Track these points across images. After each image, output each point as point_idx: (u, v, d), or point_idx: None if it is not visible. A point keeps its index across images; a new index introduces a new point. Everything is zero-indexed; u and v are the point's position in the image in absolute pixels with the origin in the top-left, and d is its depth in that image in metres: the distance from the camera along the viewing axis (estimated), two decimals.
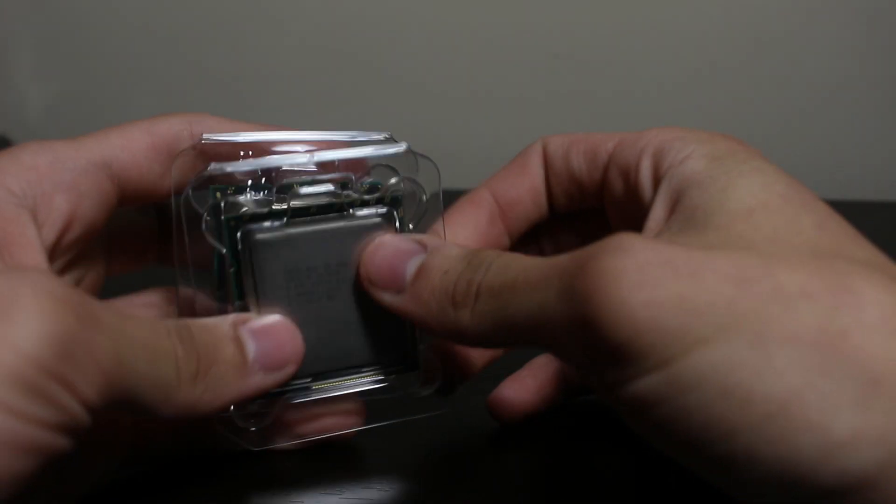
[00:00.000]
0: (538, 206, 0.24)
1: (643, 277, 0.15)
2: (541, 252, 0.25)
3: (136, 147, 0.21)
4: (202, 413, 0.18)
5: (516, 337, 0.18)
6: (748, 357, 0.14)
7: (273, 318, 0.20)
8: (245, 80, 0.57)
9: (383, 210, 0.21)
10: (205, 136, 0.21)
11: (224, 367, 0.18)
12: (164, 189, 0.21)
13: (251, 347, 0.19)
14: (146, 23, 0.56)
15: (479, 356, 0.23)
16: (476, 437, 0.25)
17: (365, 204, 0.21)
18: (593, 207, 0.23)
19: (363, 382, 0.22)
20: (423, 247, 0.20)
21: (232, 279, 0.20)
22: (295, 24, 0.56)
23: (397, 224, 0.21)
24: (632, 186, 0.21)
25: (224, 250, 0.20)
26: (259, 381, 0.19)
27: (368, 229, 0.21)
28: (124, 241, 0.23)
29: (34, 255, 0.18)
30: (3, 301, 0.14)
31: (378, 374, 0.22)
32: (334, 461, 0.23)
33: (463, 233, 0.23)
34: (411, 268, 0.20)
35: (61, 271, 0.20)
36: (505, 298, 0.17)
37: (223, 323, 0.19)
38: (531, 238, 0.25)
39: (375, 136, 0.22)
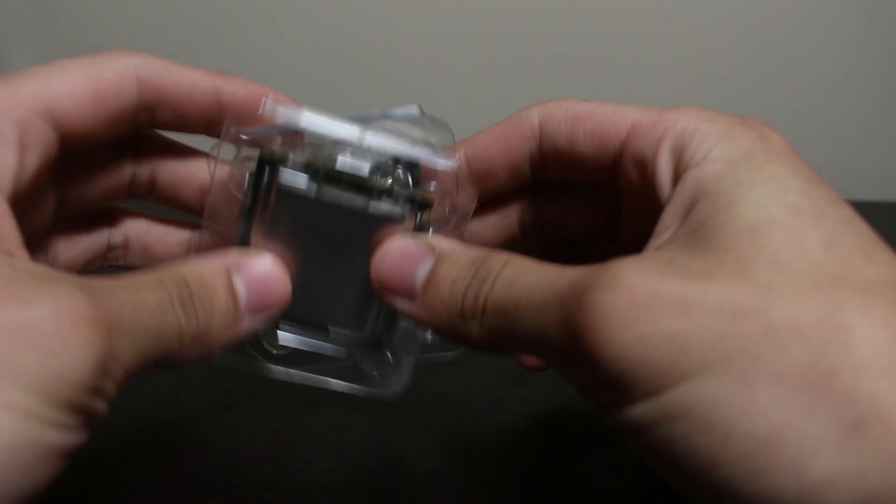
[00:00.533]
0: (516, 181, 0.23)
1: (635, 313, 0.15)
2: (520, 217, 0.24)
3: (80, 94, 0.20)
4: (201, 357, 0.19)
5: (522, 350, 0.19)
6: (733, 394, 0.15)
7: (265, 264, 0.20)
8: None
9: (407, 207, 0.21)
10: (239, 132, 0.22)
11: (218, 322, 0.19)
12: (107, 136, 0.21)
13: (243, 295, 0.19)
14: (146, 23, 0.56)
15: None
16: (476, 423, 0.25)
17: (394, 196, 0.21)
18: (598, 182, 0.22)
19: (327, 348, 0.23)
20: (432, 250, 0.20)
21: (245, 213, 0.21)
22: (295, 24, 0.56)
23: (416, 225, 0.21)
24: (649, 179, 0.20)
25: (248, 185, 0.21)
26: (247, 324, 0.20)
27: (384, 221, 0.21)
28: (82, 183, 0.23)
29: (9, 228, 0.18)
30: (43, 333, 0.15)
31: (342, 345, 0.23)
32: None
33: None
34: (421, 274, 0.20)
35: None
36: (509, 316, 0.18)
37: (219, 271, 0.19)
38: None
39: (407, 110, 0.22)
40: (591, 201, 0.23)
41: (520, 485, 0.23)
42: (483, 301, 0.18)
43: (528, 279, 0.18)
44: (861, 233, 0.17)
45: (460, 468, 0.23)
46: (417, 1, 0.55)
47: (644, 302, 0.15)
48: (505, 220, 0.24)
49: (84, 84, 0.20)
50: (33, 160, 0.19)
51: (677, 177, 0.19)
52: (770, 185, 0.17)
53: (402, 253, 0.20)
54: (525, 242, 0.25)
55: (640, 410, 0.15)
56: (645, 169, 0.20)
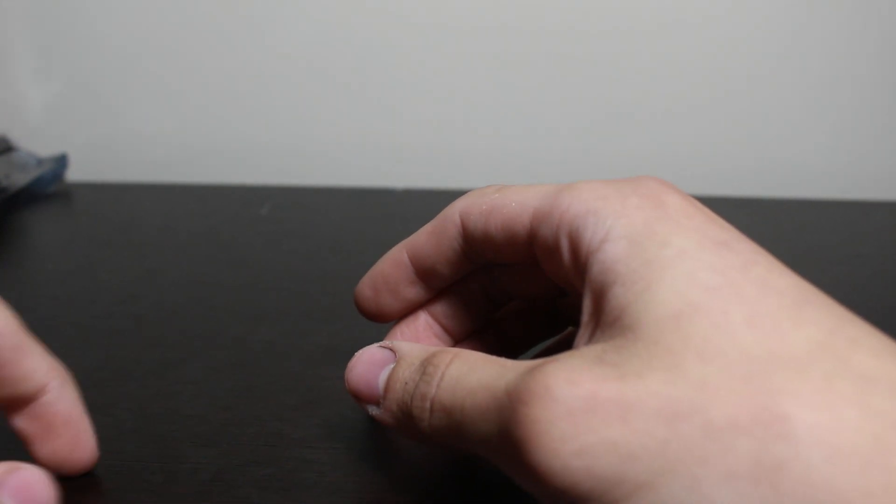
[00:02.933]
0: (457, 271, 0.23)
1: (573, 426, 0.15)
2: (483, 293, 0.25)
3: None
4: None
5: (476, 453, 0.19)
6: (687, 501, 0.14)
7: (26, 474, 0.19)
8: (244, 81, 0.57)
9: None
10: None
11: None
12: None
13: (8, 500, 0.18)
14: (146, 23, 0.56)
15: None
16: None
17: None
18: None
19: None
20: (394, 354, 0.21)
21: None
22: (295, 24, 0.56)
23: None
24: (557, 267, 0.20)
25: None
26: None
27: None
28: None
29: None
30: None
31: None
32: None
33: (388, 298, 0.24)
34: (382, 380, 0.21)
35: None
36: (455, 420, 0.18)
37: None
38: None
39: None
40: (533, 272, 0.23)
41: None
42: (430, 402, 0.19)
43: (472, 380, 0.18)
44: (782, 293, 0.16)
45: (463, 468, 0.23)
46: (417, 9, 0.55)
47: (581, 412, 0.15)
48: (471, 298, 0.24)
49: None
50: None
51: (581, 262, 0.19)
52: (681, 264, 0.17)
53: (368, 360, 0.21)
54: (504, 314, 0.25)
55: None
56: (554, 258, 0.20)
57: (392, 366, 0.21)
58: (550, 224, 0.20)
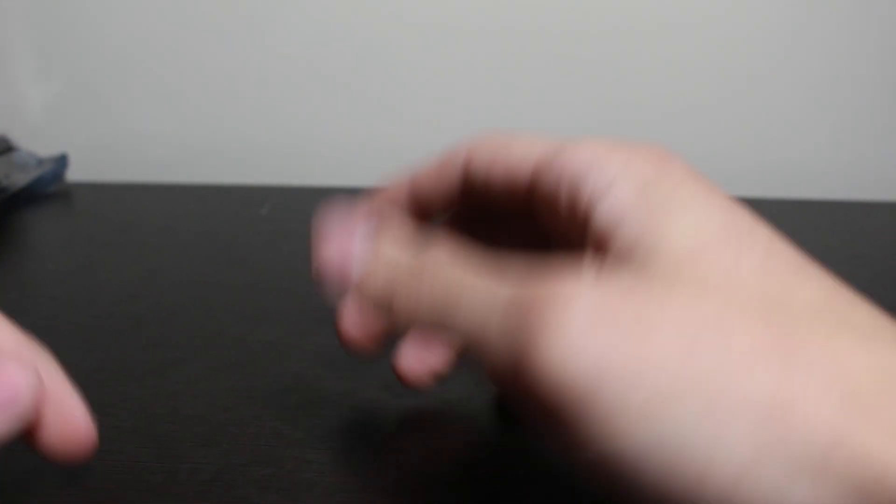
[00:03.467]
0: (448, 210, 0.23)
1: (585, 337, 0.14)
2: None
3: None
4: None
5: (452, 343, 0.18)
6: (702, 427, 0.14)
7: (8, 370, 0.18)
8: (244, 81, 0.57)
9: None
10: None
11: None
12: None
13: None
14: (146, 23, 0.56)
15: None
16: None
17: None
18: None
19: None
20: (373, 249, 0.20)
21: None
22: (295, 24, 0.56)
23: None
24: (555, 218, 0.20)
25: None
26: None
27: None
28: None
29: None
30: None
31: None
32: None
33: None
34: (358, 267, 0.20)
35: None
36: (447, 312, 0.17)
37: None
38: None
39: None
40: (519, 227, 0.23)
41: (519, 488, 0.23)
42: (418, 293, 0.18)
43: (468, 282, 0.17)
44: (784, 255, 0.17)
45: (463, 469, 0.23)
46: (420, 3, 0.55)
47: (595, 324, 0.14)
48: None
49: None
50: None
51: (581, 211, 0.18)
52: (695, 208, 0.17)
53: (339, 248, 0.20)
54: None
55: (597, 452, 0.15)
56: (553, 207, 0.20)
57: (369, 258, 0.20)
58: (551, 175, 0.19)
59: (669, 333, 0.14)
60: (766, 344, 0.14)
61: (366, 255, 0.20)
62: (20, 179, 0.49)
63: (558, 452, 0.16)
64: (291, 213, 0.48)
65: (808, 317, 0.15)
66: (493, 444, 0.25)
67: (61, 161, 0.52)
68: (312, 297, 0.35)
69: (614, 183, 0.18)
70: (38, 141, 0.55)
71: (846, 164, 0.55)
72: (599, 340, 0.14)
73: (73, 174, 0.54)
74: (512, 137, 0.21)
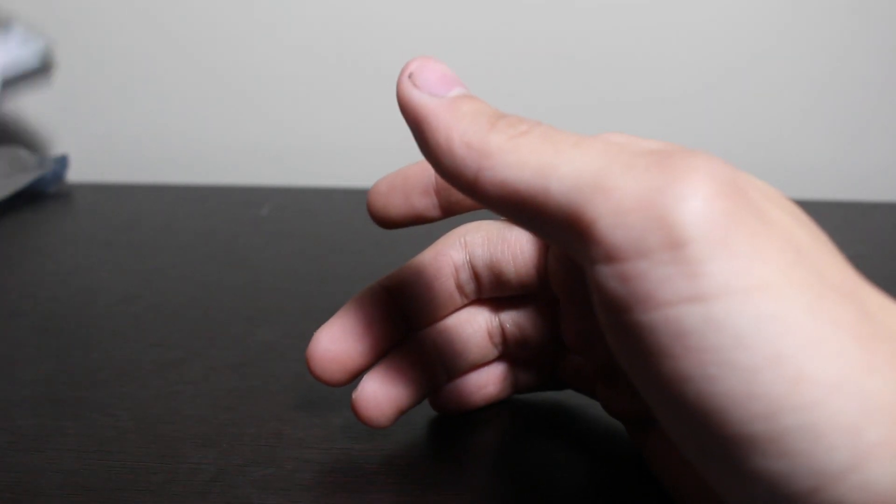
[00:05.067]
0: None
1: (726, 197, 0.14)
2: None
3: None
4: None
5: (528, 197, 0.16)
6: (805, 322, 0.13)
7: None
8: (245, 80, 0.57)
9: None
10: None
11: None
12: None
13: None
14: (146, 23, 0.56)
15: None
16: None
17: None
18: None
19: None
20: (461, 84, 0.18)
21: None
22: (295, 25, 0.56)
23: None
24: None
25: None
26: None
27: None
28: None
29: None
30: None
31: None
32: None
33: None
34: (456, 90, 0.18)
35: None
36: (551, 138, 0.16)
37: None
38: None
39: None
40: (521, 242, 0.23)
41: (520, 487, 0.23)
42: (526, 125, 0.16)
43: (577, 137, 0.16)
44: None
45: (466, 471, 0.23)
46: (421, 5, 0.55)
47: (734, 196, 0.14)
48: (472, 334, 0.24)
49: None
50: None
51: None
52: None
53: (440, 66, 0.18)
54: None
55: (692, 313, 0.13)
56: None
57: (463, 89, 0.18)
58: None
59: (779, 234, 0.14)
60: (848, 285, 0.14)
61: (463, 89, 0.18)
62: (20, 179, 0.49)
63: (631, 302, 0.14)
64: (291, 213, 0.48)
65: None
66: (493, 445, 0.25)
67: (61, 161, 0.52)
68: (312, 297, 0.35)
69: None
70: (38, 141, 0.55)
71: (846, 164, 0.55)
72: (733, 207, 0.14)
73: (73, 174, 0.54)
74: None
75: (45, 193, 0.51)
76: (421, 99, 0.17)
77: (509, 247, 0.23)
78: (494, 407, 0.26)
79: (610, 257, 0.14)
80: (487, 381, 0.25)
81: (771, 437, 0.13)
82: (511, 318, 0.24)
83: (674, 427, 0.15)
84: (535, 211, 0.16)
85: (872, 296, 0.15)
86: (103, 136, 0.59)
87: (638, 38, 0.54)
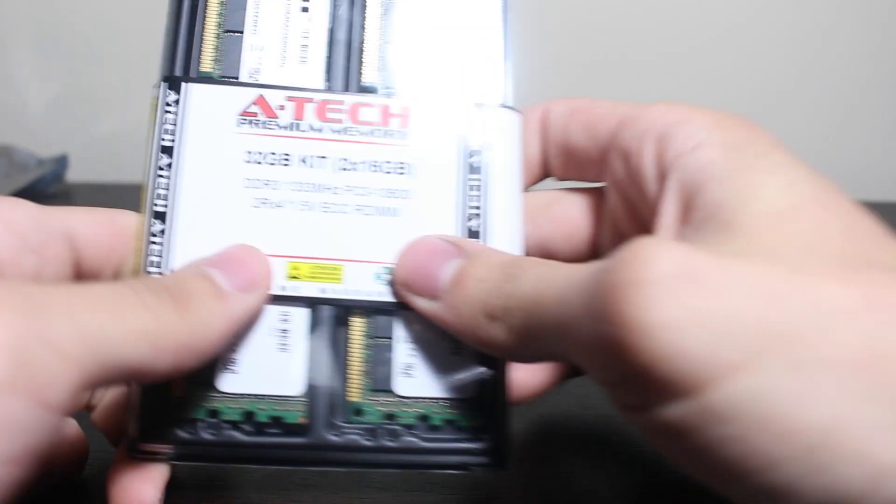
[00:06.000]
0: (529, 175, 0.23)
1: (663, 294, 0.14)
2: None
3: (100, 229, 0.20)
4: (201, 351, 0.17)
5: (548, 354, 0.17)
6: (786, 384, 0.13)
7: (233, 247, 0.19)
8: None
9: None
10: None
11: (201, 297, 0.17)
12: (109, 276, 0.21)
13: (217, 274, 0.18)
14: (146, 23, 0.56)
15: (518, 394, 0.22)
16: None
17: None
18: (592, 181, 0.22)
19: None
20: (460, 249, 0.19)
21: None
22: None
23: None
24: (633, 172, 0.19)
25: None
26: (240, 303, 0.18)
27: None
28: None
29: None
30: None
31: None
32: None
33: None
34: (447, 273, 0.19)
35: None
36: (536, 313, 0.17)
37: (189, 268, 0.19)
38: None
39: None
40: (573, 218, 0.23)
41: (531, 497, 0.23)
42: (509, 299, 0.17)
43: (557, 274, 0.17)
44: (869, 223, 0.16)
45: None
46: None
47: (672, 281, 0.14)
48: None
49: (105, 222, 0.20)
50: (49, 272, 0.19)
51: (662, 167, 0.19)
52: (784, 172, 0.17)
53: (429, 249, 0.20)
54: None
55: (680, 411, 0.14)
56: (629, 160, 0.20)
57: (459, 260, 0.19)
58: (636, 128, 0.20)
59: (748, 291, 0.14)
60: (853, 298, 0.14)
61: (453, 259, 0.19)
62: (20, 179, 0.49)
63: (630, 416, 0.15)
64: None
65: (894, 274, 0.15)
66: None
67: (61, 161, 0.52)
68: None
69: (704, 142, 0.18)
70: (38, 141, 0.55)
71: (846, 164, 0.55)
72: (685, 296, 0.14)
73: (73, 174, 0.54)
74: (592, 98, 0.22)
75: (45, 193, 0.51)
76: (423, 307, 0.19)
77: (561, 225, 0.23)
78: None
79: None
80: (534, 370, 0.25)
81: (778, 485, 0.13)
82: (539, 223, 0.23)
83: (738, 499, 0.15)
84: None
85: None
86: (103, 136, 0.59)
87: (636, 38, 0.54)
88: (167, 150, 0.21)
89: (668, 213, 0.18)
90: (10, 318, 0.13)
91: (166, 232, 0.20)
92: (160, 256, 0.20)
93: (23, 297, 0.14)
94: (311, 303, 0.20)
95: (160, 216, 0.20)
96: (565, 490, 0.22)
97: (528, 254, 0.22)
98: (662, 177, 0.19)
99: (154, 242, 0.20)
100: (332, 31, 0.22)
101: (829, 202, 0.16)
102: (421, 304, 0.19)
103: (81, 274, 0.20)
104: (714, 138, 0.18)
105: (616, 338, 0.14)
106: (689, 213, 0.17)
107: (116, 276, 0.21)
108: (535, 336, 0.17)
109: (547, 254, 0.23)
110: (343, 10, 0.22)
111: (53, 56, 0.58)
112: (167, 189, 0.20)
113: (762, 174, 0.17)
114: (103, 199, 0.50)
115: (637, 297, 0.14)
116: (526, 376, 0.23)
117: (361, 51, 0.22)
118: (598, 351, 0.15)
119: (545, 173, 0.23)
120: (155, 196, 0.20)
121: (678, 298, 0.14)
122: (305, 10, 0.22)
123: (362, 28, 0.22)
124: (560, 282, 0.16)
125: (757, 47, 0.54)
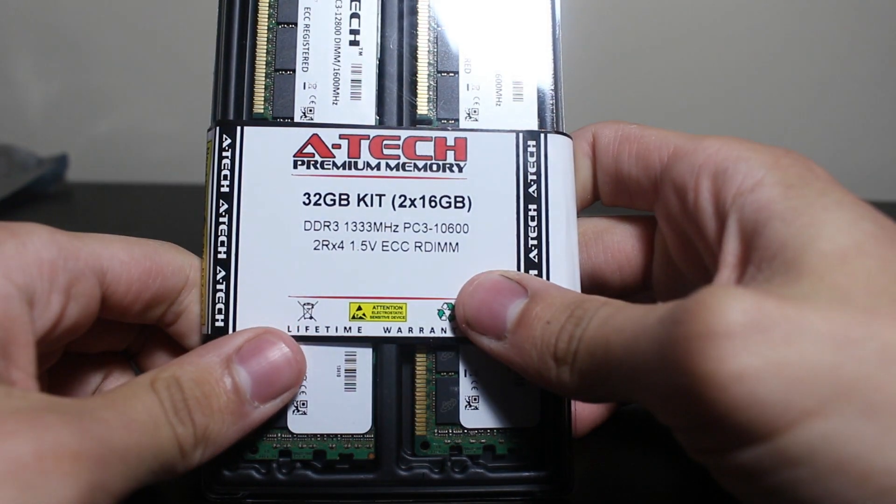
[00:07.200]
0: (580, 200, 0.22)
1: (734, 346, 0.14)
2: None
3: (133, 265, 0.20)
4: (210, 455, 0.18)
5: (615, 396, 0.18)
6: (862, 429, 0.13)
7: (270, 347, 0.19)
8: None
9: None
10: None
11: (219, 419, 0.18)
12: (142, 314, 0.21)
13: (246, 383, 0.18)
14: (146, 23, 0.56)
15: (581, 425, 0.22)
16: None
17: None
18: (641, 209, 0.22)
19: None
20: (525, 289, 0.19)
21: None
22: None
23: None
24: (690, 208, 0.19)
25: None
26: (258, 415, 0.19)
27: None
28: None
29: (28, 361, 0.17)
30: (23, 468, 0.14)
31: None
32: None
33: None
34: (512, 313, 0.19)
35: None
36: (603, 359, 0.17)
37: (215, 364, 0.18)
38: None
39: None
40: (625, 248, 0.23)
41: None
42: (577, 343, 0.17)
43: (620, 318, 0.17)
44: None
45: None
46: None
47: (743, 332, 0.14)
48: None
49: (141, 259, 0.20)
50: (74, 311, 0.19)
51: (721, 205, 0.18)
52: (845, 212, 0.16)
53: (493, 288, 0.20)
54: None
55: (755, 455, 0.14)
56: (685, 195, 0.19)
57: (524, 300, 0.19)
58: (691, 163, 0.19)
59: (818, 338, 0.14)
60: None
61: (518, 300, 0.19)
62: (20, 179, 0.49)
63: (704, 458, 0.15)
64: None
65: None
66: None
67: (61, 161, 0.52)
68: None
69: (763, 180, 0.18)
70: (38, 141, 0.55)
71: (846, 164, 0.55)
72: (757, 346, 0.14)
73: (73, 174, 0.54)
74: (641, 125, 0.21)
75: (45, 193, 0.51)
76: (489, 347, 0.19)
77: (613, 255, 0.22)
78: None
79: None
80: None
81: None
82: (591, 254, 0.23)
83: None
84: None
85: None
86: (103, 136, 0.59)
87: (636, 40, 0.54)
88: (225, 196, 0.21)
89: (730, 252, 0.18)
90: (84, 474, 0.14)
91: (229, 279, 0.20)
92: (224, 304, 0.20)
93: (90, 448, 0.15)
94: (376, 342, 0.20)
95: (222, 263, 0.20)
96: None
97: (581, 283, 0.22)
98: (720, 214, 0.18)
99: (218, 290, 0.20)
100: (380, 64, 0.22)
101: (891, 240, 0.16)
102: (486, 343, 0.19)
103: (108, 308, 0.20)
104: (774, 177, 0.18)
105: (691, 389, 0.14)
106: (752, 252, 0.17)
107: (148, 309, 0.20)
108: (602, 380, 0.17)
109: (599, 283, 0.23)
110: (392, 42, 0.22)
111: (53, 56, 0.58)
112: (226, 236, 0.20)
113: (824, 212, 0.16)
114: (103, 198, 0.51)
115: (711, 349, 0.14)
116: (588, 408, 0.23)
117: (413, 82, 0.22)
118: (673, 400, 0.15)
119: (595, 198, 0.23)
120: (217, 243, 0.20)
121: (750, 349, 0.14)
122: (355, 42, 0.22)
123: (413, 58, 0.22)
124: (629, 328, 0.16)
125: (764, 49, 0.54)
